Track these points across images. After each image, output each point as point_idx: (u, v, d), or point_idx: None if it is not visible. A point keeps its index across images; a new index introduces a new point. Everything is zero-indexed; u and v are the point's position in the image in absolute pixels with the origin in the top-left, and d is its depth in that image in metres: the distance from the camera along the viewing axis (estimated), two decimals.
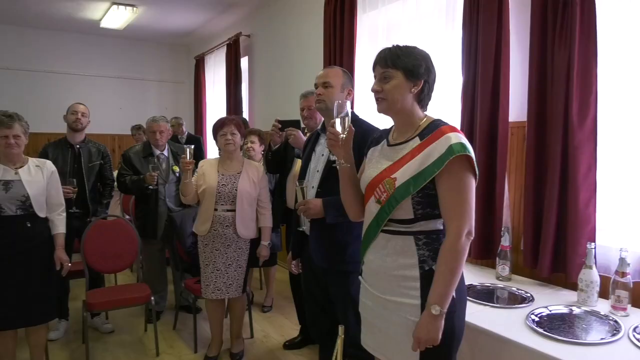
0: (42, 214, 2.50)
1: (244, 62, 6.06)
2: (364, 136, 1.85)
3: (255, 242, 2.97)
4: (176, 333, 3.46)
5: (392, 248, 1.48)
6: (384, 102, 1.50)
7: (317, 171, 2.16)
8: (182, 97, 7.85)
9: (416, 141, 1.46)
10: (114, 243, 3.29)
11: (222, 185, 2.85)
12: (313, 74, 2.27)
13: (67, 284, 3.39)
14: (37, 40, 6.75)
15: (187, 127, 6.02)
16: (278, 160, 3.17)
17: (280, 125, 3.04)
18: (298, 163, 3.00)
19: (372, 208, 1.52)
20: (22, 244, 2.42)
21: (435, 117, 1.52)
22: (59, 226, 2.60)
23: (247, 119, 5.34)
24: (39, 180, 2.50)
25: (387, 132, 1.63)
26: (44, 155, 3.19)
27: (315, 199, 2.08)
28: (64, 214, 2.65)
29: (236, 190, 2.84)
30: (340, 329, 1.68)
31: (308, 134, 2.85)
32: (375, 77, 1.52)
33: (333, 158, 1.93)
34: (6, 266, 2.39)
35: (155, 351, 3.11)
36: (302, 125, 3.04)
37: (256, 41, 5.81)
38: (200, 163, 2.98)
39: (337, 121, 1.53)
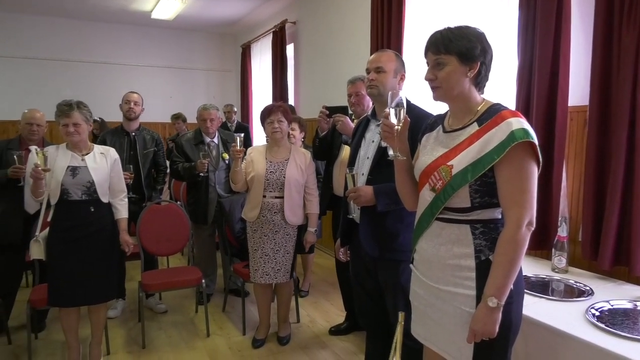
0: (105, 200, 2.63)
1: (290, 49, 6.07)
2: (416, 122, 1.80)
3: (301, 229, 3.00)
4: (225, 315, 3.56)
5: (446, 237, 1.45)
6: (439, 90, 1.45)
7: (367, 158, 2.13)
8: (229, 85, 7.99)
9: (474, 127, 1.41)
10: (167, 227, 3.42)
11: (270, 172, 2.88)
12: (360, 59, 2.24)
13: (124, 265, 3.56)
14: (94, 33, 7.04)
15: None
16: (325, 147, 3.17)
17: (327, 112, 3.03)
18: (345, 150, 2.99)
19: (426, 196, 1.49)
20: (86, 227, 2.56)
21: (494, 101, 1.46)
22: (122, 211, 2.72)
23: (294, 106, 5.37)
24: (103, 167, 2.62)
25: (442, 117, 1.58)
26: (102, 142, 3.34)
27: (365, 186, 2.06)
28: (126, 200, 2.76)
29: (284, 177, 2.87)
30: (400, 316, 1.66)
31: (356, 121, 2.83)
32: (427, 64, 1.48)
33: (384, 145, 1.90)
34: (71, 248, 2.53)
35: (206, 332, 3.22)
36: (350, 112, 3.02)
37: (302, 28, 5.80)
38: (249, 150, 3.02)
39: (392, 112, 1.49)
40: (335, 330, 3.25)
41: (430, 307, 1.52)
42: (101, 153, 2.65)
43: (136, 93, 3.56)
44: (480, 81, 1.45)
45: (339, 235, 2.34)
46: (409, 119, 1.51)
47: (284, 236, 2.92)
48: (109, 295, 2.71)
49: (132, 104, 3.49)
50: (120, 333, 3.24)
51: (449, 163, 1.40)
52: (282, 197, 2.87)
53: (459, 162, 1.39)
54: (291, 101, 5.93)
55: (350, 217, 2.23)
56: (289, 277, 2.99)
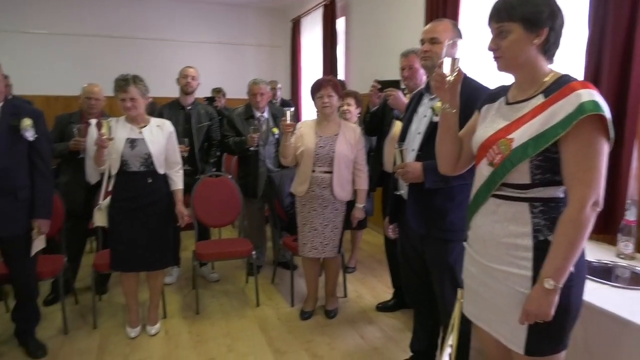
0: (161, 171, 2.73)
1: (340, 23, 5.96)
2: (471, 96, 1.72)
3: (350, 204, 2.99)
4: (274, 287, 3.65)
5: (502, 214, 1.39)
6: (502, 61, 1.36)
7: (419, 133, 2.07)
8: (278, 60, 7.99)
9: (539, 99, 1.32)
10: (219, 200, 3.52)
11: (320, 147, 2.87)
12: (413, 32, 2.16)
13: (179, 234, 3.71)
14: (150, 10, 7.20)
15: (284, 91, 6.13)
16: (376, 122, 3.12)
17: (379, 86, 2.96)
18: (397, 125, 2.92)
19: (483, 170, 1.42)
20: (144, 197, 2.68)
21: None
22: (178, 183, 2.82)
23: (344, 81, 5.30)
24: (160, 139, 2.71)
25: (505, 88, 1.49)
26: (159, 116, 3.45)
27: (414, 162, 2.01)
28: (181, 172, 2.86)
29: (333, 152, 2.85)
30: (459, 292, 1.63)
31: (408, 95, 2.75)
32: (491, 32, 1.39)
33: (436, 120, 1.83)
34: (130, 217, 2.67)
35: (255, 301, 3.32)
36: (402, 86, 2.93)
37: (353, 0, 5.66)
38: (299, 125, 3.02)
39: (446, 62, 1.43)
40: (383, 307, 3.25)
41: (483, 286, 1.48)
42: (157, 126, 2.74)
43: (193, 68, 3.64)
44: (548, 49, 1.34)
45: (388, 212, 2.31)
46: (463, 72, 1.45)
47: (333, 211, 2.92)
48: (165, 262, 2.84)
49: (189, 78, 3.57)
50: (175, 299, 3.40)
51: (509, 136, 1.33)
52: (331, 172, 2.86)
53: (520, 136, 1.31)
54: (341, 76, 5.86)
55: (398, 193, 2.19)
56: (336, 252, 3.01)
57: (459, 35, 2.03)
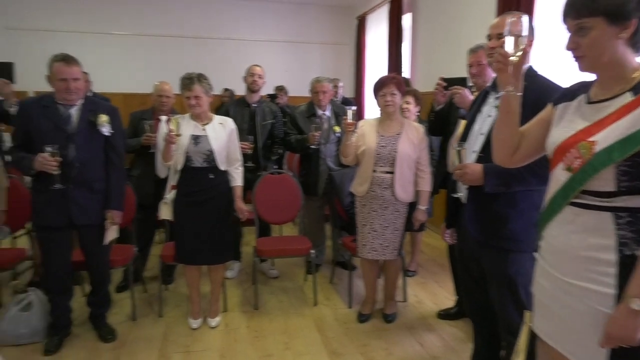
0: (222, 167, 2.80)
1: (407, 20, 5.82)
2: (541, 94, 1.59)
3: (412, 206, 2.89)
4: (332, 287, 3.63)
5: (581, 224, 1.26)
6: (584, 60, 1.23)
7: (481, 134, 1.94)
8: (343, 58, 7.96)
9: (626, 97, 1.18)
10: (281, 197, 3.54)
11: (382, 146, 2.80)
12: (484, 27, 2.02)
13: (240, 230, 3.79)
14: (218, 11, 7.45)
15: (347, 89, 6.09)
16: (441, 122, 2.99)
17: (444, 84, 2.84)
18: (463, 124, 2.78)
19: (559, 176, 1.30)
20: (206, 192, 2.76)
21: None
22: (237, 179, 2.88)
23: (409, 79, 5.17)
24: (222, 136, 2.78)
25: (586, 85, 1.35)
26: (226, 113, 3.55)
27: (474, 164, 1.89)
28: (241, 168, 2.92)
29: (395, 152, 2.77)
30: (527, 315, 1.50)
31: (476, 93, 2.60)
32: (567, 30, 1.25)
33: None
34: (193, 211, 2.76)
35: (313, 300, 3.31)
36: (470, 84, 2.79)
37: None
38: (360, 123, 2.97)
39: (509, 40, 1.31)
40: (444, 314, 3.12)
41: (556, 302, 1.35)
42: (220, 123, 2.80)
43: (260, 66, 3.70)
44: (637, 41, 1.20)
45: (445, 216, 2.20)
46: (529, 49, 1.33)
47: (393, 212, 2.84)
48: (225, 257, 2.91)
49: (256, 76, 3.64)
50: (236, 293, 3.47)
51: (591, 139, 1.20)
52: (393, 173, 2.78)
53: (604, 138, 1.17)
54: (406, 74, 5.72)
55: (456, 196, 2.07)
56: (396, 254, 2.93)
57: (531, 31, 1.87)
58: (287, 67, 7.66)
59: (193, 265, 2.89)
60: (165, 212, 2.82)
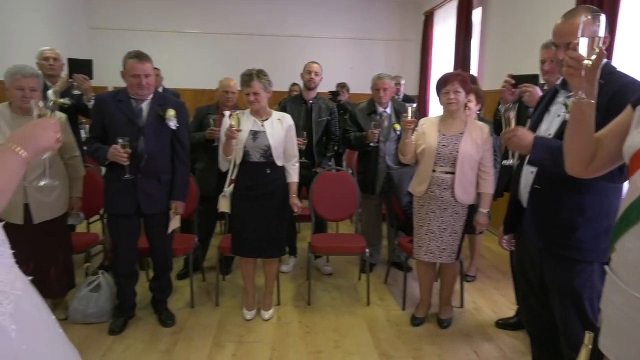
0: (279, 163, 2.83)
1: (477, 14, 5.58)
2: (620, 92, 1.45)
3: (472, 208, 2.77)
4: (386, 287, 3.57)
5: None
6: None
7: (549, 134, 1.80)
8: (408, 55, 7.80)
9: None
10: (338, 194, 3.54)
11: (443, 145, 2.70)
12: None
13: (296, 226, 3.82)
14: (284, 8, 7.56)
15: (411, 87, 5.95)
16: None
17: (513, 81, 2.69)
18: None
19: (638, 183, 1.17)
20: (262, 187, 2.81)
21: None
22: (293, 175, 2.90)
23: (476, 76, 4.96)
24: (279, 132, 2.81)
25: None
26: (282, 109, 3.59)
27: (526, 130, 1.76)
28: (297, 164, 2.94)
29: (457, 151, 2.66)
30: (587, 337, 1.38)
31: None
32: None
33: None
34: (250, 205, 2.82)
35: (366, 300, 3.27)
36: (541, 81, 2.62)
37: None
38: (421, 121, 2.88)
39: (583, 42, 1.17)
40: (503, 324, 2.96)
41: (629, 321, 1.22)
42: (278, 119, 2.84)
43: (317, 63, 3.71)
44: None
45: (503, 220, 2.07)
46: (605, 52, 1.19)
47: (453, 214, 2.74)
48: (279, 251, 2.96)
49: (312, 74, 3.66)
50: (290, 287, 3.51)
51: None
52: (453, 173, 2.68)
53: None
54: (474, 71, 5.49)
55: (508, 163, 1.95)
56: (454, 258, 2.82)
57: (606, 26, 1.72)
58: (352, 64, 7.63)
59: (248, 258, 2.96)
60: (223, 205, 2.90)
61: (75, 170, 2.90)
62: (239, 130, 2.69)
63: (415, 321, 2.98)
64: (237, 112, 2.79)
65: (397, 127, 3.62)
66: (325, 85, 5.96)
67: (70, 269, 2.98)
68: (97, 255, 3.80)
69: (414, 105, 2.76)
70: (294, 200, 2.88)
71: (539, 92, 2.51)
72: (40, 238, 2.69)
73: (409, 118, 2.68)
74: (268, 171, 2.80)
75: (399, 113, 3.64)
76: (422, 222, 2.82)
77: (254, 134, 2.78)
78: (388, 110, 3.69)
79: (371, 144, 3.50)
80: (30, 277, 1.20)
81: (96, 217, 3.75)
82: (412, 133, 2.76)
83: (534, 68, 2.71)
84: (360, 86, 6.35)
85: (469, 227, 2.82)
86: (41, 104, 1.29)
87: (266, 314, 3.02)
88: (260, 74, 2.73)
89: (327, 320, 3.02)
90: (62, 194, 2.79)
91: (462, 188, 2.68)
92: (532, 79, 2.61)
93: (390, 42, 7.79)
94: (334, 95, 5.42)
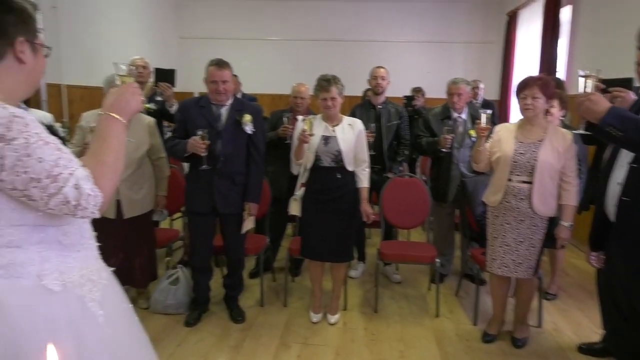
0: (350, 168, 2.85)
1: (566, 13, 5.22)
2: None
3: (552, 220, 2.59)
4: (457, 300, 3.44)
5: None
6: None
7: None
8: (489, 58, 7.48)
9: None
10: (408, 201, 3.47)
11: (520, 153, 2.56)
12: None
13: (365, 231, 3.81)
14: (359, 13, 7.60)
15: (491, 91, 5.69)
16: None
17: (603, 85, 2.46)
18: None
19: None
20: (333, 191, 2.84)
21: None
22: (364, 180, 2.90)
23: (563, 80, 4.63)
24: (350, 137, 2.83)
25: None
26: (352, 115, 3.60)
27: (602, 97, 1.62)
28: (368, 170, 2.94)
29: (535, 160, 2.51)
30: None
31: None
32: None
33: None
34: (319, 209, 2.86)
35: (435, 312, 3.18)
36: (637, 84, 2.39)
37: None
38: (497, 128, 2.75)
39: None
40: (587, 349, 2.72)
41: None
42: (349, 124, 2.86)
43: (383, 68, 3.68)
44: None
45: (589, 236, 1.91)
46: None
47: (530, 227, 2.58)
48: (346, 256, 2.97)
49: (379, 78, 3.64)
50: (357, 293, 3.50)
51: None
52: (531, 183, 2.52)
53: None
54: (561, 74, 5.14)
55: (578, 132, 1.80)
56: (531, 273, 2.65)
57: None
58: (428, 68, 7.47)
59: (316, 261, 3.00)
60: (294, 208, 2.97)
61: (161, 170, 3.12)
62: (311, 135, 2.74)
63: (487, 338, 2.84)
64: (310, 117, 2.84)
65: (473, 133, 3.49)
66: (401, 90, 5.92)
67: (154, 262, 3.21)
68: (177, 250, 4.05)
69: (489, 111, 2.64)
70: (365, 207, 2.89)
71: (632, 96, 2.30)
72: (129, 232, 2.93)
73: (483, 125, 2.58)
74: (339, 176, 2.83)
75: (475, 119, 3.50)
76: (497, 233, 2.69)
77: (326, 139, 2.82)
78: (463, 115, 3.57)
79: (443, 150, 3.40)
80: (115, 268, 1.32)
81: (178, 214, 4.00)
82: (485, 140, 2.64)
83: (628, 71, 2.48)
84: (437, 91, 6.18)
85: (550, 241, 2.64)
86: (124, 67, 1.34)
87: (332, 318, 3.04)
88: (335, 79, 2.78)
89: (393, 329, 2.97)
90: (149, 192, 3.02)
91: (540, 199, 2.52)
92: (626, 82, 2.40)
93: (469, 45, 7.52)
94: (409, 100, 5.34)
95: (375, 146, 3.59)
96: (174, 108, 3.55)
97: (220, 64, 2.77)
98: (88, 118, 2.89)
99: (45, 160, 0.99)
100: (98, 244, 1.26)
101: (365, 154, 2.91)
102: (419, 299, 3.46)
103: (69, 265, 1.12)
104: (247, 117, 2.82)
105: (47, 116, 3.14)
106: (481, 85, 5.47)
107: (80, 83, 5.10)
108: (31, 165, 0.98)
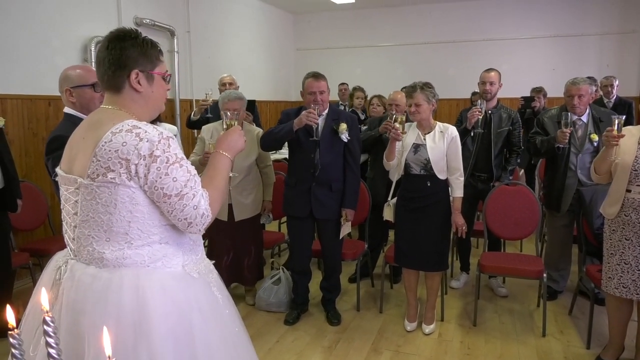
0: (441, 176, 2.78)
1: None
2: None
3: None
4: (570, 319, 3.12)
5: None
6: None
7: None
8: (629, 50, 6.58)
9: None
10: (515, 210, 3.26)
11: None
12: None
13: (469, 241, 3.65)
14: (475, 12, 7.24)
15: (632, 87, 5.02)
16: None
17: None
18: None
19: None
20: (423, 199, 2.80)
21: None
22: (456, 190, 2.81)
23: None
24: (440, 146, 2.76)
25: None
26: (459, 119, 3.49)
27: None
28: (462, 178, 2.83)
29: None
30: None
31: None
32: None
33: None
34: (410, 216, 2.84)
35: (542, 330, 2.93)
36: None
37: None
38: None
39: None
40: None
41: None
42: (440, 131, 2.78)
43: (493, 71, 3.47)
44: None
45: None
46: None
47: None
48: (439, 266, 2.89)
49: (487, 84, 3.44)
50: (457, 304, 3.38)
51: None
52: None
53: None
54: None
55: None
56: None
57: None
58: (553, 65, 6.85)
59: (410, 269, 2.97)
60: (387, 214, 2.99)
61: (268, 177, 3.37)
62: (403, 133, 2.73)
63: None
64: (402, 116, 2.81)
65: (595, 137, 3.15)
66: (521, 90, 5.53)
67: (261, 262, 3.47)
68: (284, 251, 4.31)
69: (622, 117, 2.31)
70: (456, 217, 2.79)
71: None
72: (239, 233, 3.22)
73: (615, 132, 2.27)
74: (428, 184, 2.78)
75: (600, 122, 3.15)
76: (614, 249, 2.40)
77: (416, 147, 2.79)
78: (584, 118, 3.22)
79: (560, 146, 3.09)
80: (226, 266, 1.55)
81: (285, 218, 4.25)
82: (614, 150, 2.35)
83: None
84: (560, 90, 5.67)
85: None
86: (230, 114, 1.73)
87: (427, 328, 2.98)
88: (425, 86, 2.74)
89: (492, 345, 2.81)
90: (257, 197, 3.29)
91: None
92: None
93: (604, 37, 6.70)
94: (527, 101, 4.97)
95: (482, 154, 3.43)
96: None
97: (316, 75, 2.91)
98: (207, 131, 3.24)
99: (179, 180, 1.21)
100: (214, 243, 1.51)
101: (458, 162, 2.80)
102: (525, 315, 3.22)
103: (198, 258, 1.37)
104: (343, 126, 2.92)
105: (173, 129, 3.60)
106: (616, 82, 4.86)
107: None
108: (167, 183, 1.20)
